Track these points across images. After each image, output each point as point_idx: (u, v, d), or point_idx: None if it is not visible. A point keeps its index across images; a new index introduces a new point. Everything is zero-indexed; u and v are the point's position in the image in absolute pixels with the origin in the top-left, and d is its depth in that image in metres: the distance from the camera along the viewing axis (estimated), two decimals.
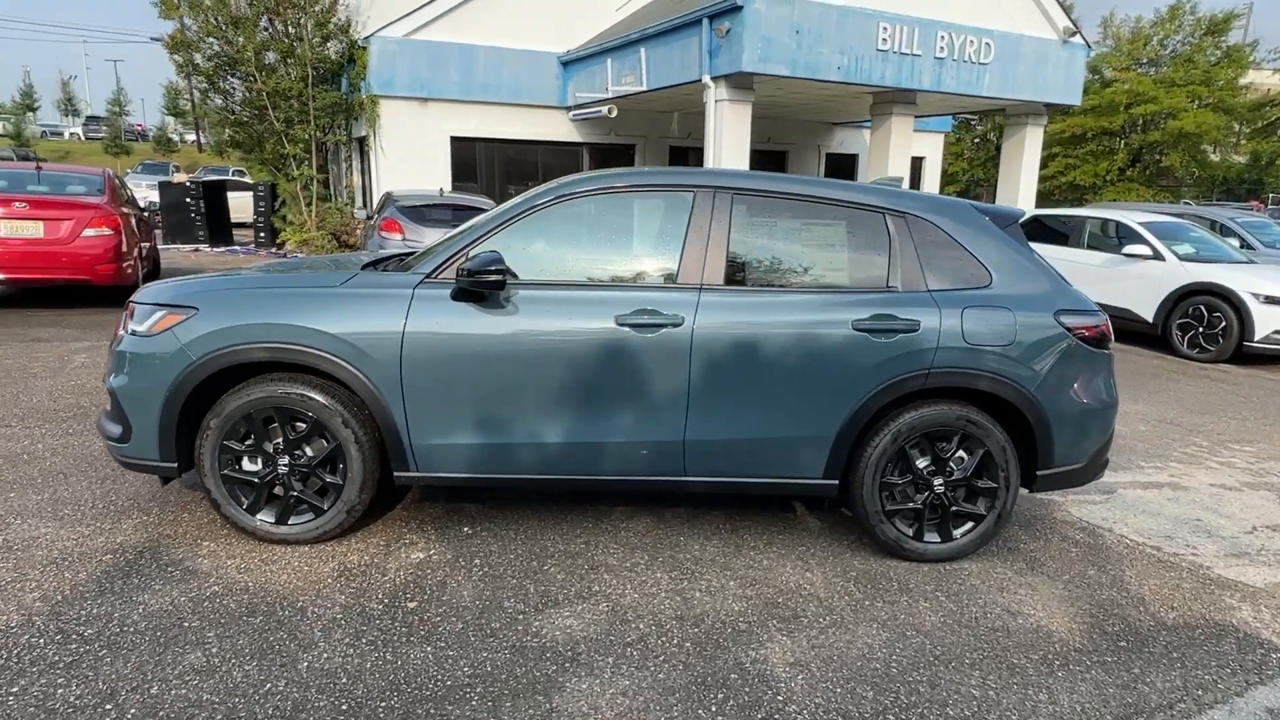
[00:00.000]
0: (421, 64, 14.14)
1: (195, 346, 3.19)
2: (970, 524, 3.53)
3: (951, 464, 3.46)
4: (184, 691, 2.42)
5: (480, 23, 14.41)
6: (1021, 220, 3.69)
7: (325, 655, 2.64)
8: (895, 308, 3.36)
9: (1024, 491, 3.62)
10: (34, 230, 7.66)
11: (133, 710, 2.32)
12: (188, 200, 15.78)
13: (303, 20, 13.69)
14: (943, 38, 11.62)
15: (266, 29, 14.18)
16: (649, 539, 3.63)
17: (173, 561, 3.21)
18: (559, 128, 15.55)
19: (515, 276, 3.34)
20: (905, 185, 4.30)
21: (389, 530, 3.60)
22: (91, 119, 47.48)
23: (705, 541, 3.64)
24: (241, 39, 13.85)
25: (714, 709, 2.46)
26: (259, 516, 3.35)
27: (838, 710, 2.48)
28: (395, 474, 3.38)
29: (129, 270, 8.29)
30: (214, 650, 2.63)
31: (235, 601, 2.94)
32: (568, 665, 2.65)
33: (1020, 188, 14.06)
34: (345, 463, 3.31)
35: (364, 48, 13.77)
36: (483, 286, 3.19)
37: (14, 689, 2.39)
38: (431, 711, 2.39)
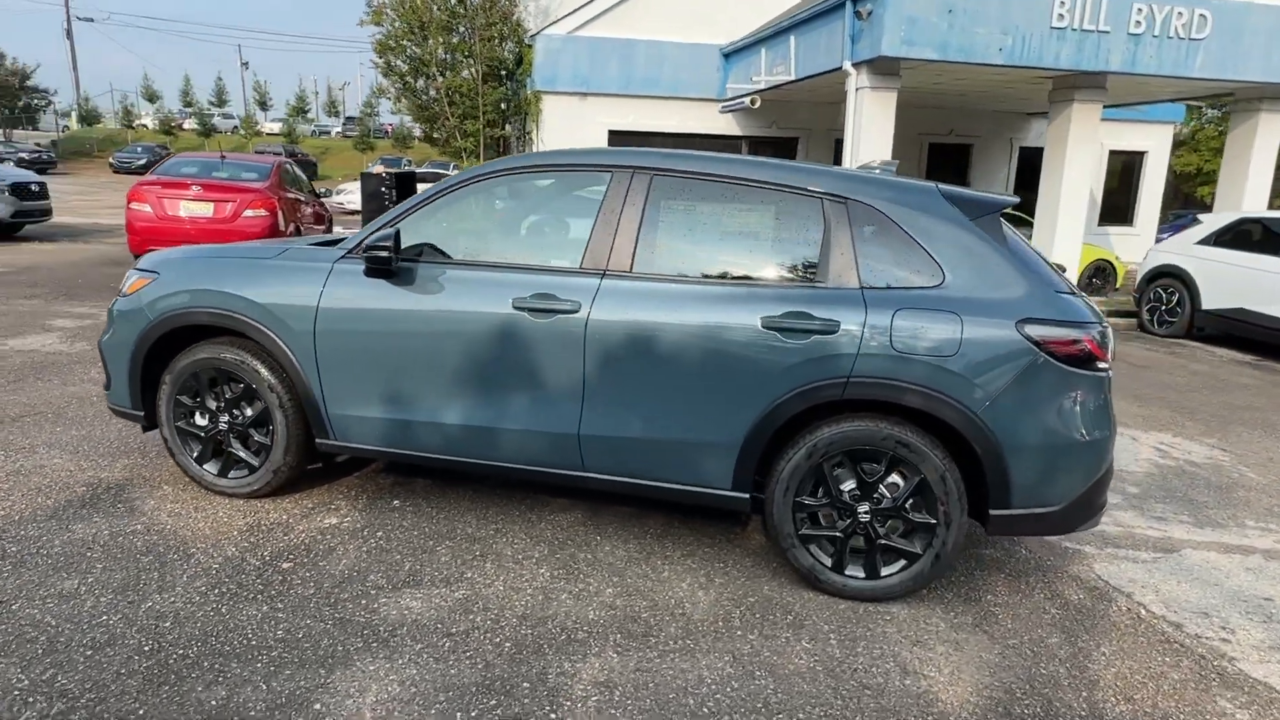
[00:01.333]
0: (582, 60, 14.59)
1: (152, 308, 3.53)
2: (903, 562, 3.03)
3: (883, 490, 2.99)
4: (35, 612, 2.68)
5: (642, 18, 14.59)
6: (1006, 210, 3.08)
7: (172, 600, 2.81)
8: (813, 305, 2.95)
9: (1046, 537, 3.04)
10: (205, 211, 8.88)
11: None
12: (382, 190, 17.46)
13: (477, 22, 14.63)
14: (1139, 10, 10.00)
15: (456, 32, 15.36)
16: (565, 534, 3.50)
17: (125, 499, 3.58)
18: (717, 121, 15.36)
19: (420, 256, 3.35)
20: (895, 171, 3.74)
21: (324, 494, 3.77)
22: (349, 119, 54.26)
23: (620, 545, 3.43)
24: (429, 41, 15.05)
25: (474, 715, 2.31)
26: (205, 466, 3.65)
27: None
28: (317, 441, 3.52)
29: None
30: (90, 580, 2.90)
31: (143, 541, 3.22)
32: (372, 645, 2.62)
33: (1248, 188, 11.80)
34: (272, 425, 3.51)
35: (530, 46, 14.47)
36: (373, 262, 3.23)
37: None
38: (216, 666, 2.46)
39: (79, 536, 3.22)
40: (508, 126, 15.69)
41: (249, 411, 3.55)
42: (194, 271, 3.54)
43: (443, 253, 3.47)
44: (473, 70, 15.08)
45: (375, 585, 2.99)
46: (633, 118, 15.01)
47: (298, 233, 10.01)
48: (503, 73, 15.31)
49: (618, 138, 15.17)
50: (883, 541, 3.02)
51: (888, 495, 2.98)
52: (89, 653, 2.48)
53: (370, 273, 3.30)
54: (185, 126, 46.01)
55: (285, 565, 3.10)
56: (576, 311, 3.10)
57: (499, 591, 3.00)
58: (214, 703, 2.30)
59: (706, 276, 3.13)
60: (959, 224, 2.99)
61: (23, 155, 34.57)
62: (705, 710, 2.39)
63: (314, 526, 3.44)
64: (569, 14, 14.36)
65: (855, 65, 10.24)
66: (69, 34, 47.84)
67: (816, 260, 3.03)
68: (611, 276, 3.14)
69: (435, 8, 15.22)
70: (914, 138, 16.32)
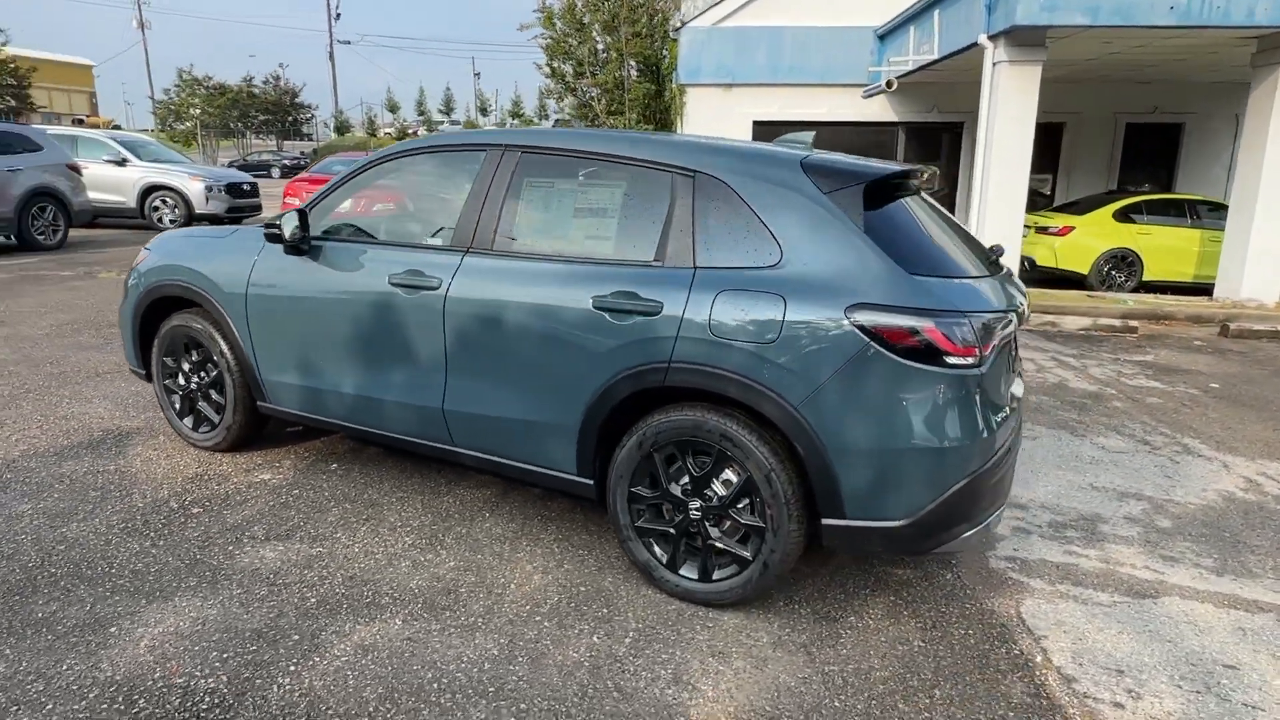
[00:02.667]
0: (727, 50, 14.39)
1: (144, 279, 4.06)
2: (735, 567, 2.78)
3: (714, 487, 2.76)
4: None
5: (790, 5, 14.11)
6: (876, 180, 2.69)
7: (83, 528, 3.25)
8: (642, 285, 2.78)
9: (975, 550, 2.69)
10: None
11: None
12: None
13: (621, 15, 14.93)
14: None
15: (617, 32, 15.82)
16: (461, 508, 3.57)
17: (121, 445, 4.16)
18: (871, 106, 14.50)
19: (337, 234, 3.57)
20: (809, 145, 3.36)
21: (279, 453, 4.13)
22: (516, 119, 57.87)
23: (503, 523, 3.45)
24: (583, 45, 15.63)
25: (227, 656, 2.46)
26: (184, 421, 4.14)
27: (306, 692, 2.30)
28: (258, 404, 3.87)
29: None
30: (39, 506, 3.43)
31: (105, 479, 3.73)
32: (201, 586, 2.86)
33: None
34: (224, 387, 3.91)
35: (675, 40, 14.52)
36: (270, 239, 3.49)
37: None
38: (68, 586, 2.82)
39: (62, 471, 3.80)
40: (651, 121, 15.89)
41: (210, 374, 3.99)
42: (171, 249, 4.03)
43: (365, 232, 3.67)
44: (624, 67, 15.43)
45: (251, 535, 3.25)
46: (778, 107, 14.58)
47: None
48: (653, 69, 15.52)
49: (763, 129, 14.81)
50: (714, 543, 2.79)
51: (717, 494, 2.75)
52: None
53: (288, 250, 3.58)
54: (416, 133, 51.37)
55: (195, 510, 3.46)
56: (437, 288, 3.16)
57: (351, 553, 3.14)
58: (40, 615, 2.65)
59: (556, 254, 3.06)
60: (811, 198, 2.67)
61: (285, 162, 40.38)
62: (435, 686, 2.37)
63: (247, 480, 3.79)
64: (713, 5, 14.23)
65: (991, 38, 9.22)
66: (331, 56, 55.08)
67: (658, 237, 2.85)
68: (474, 254, 3.16)
69: (595, 8, 15.76)
70: (1106, 118, 14.39)
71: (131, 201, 13.49)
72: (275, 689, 2.33)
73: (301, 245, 3.51)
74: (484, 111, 56.35)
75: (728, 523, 2.76)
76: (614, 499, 2.94)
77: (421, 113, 54.36)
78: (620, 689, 2.39)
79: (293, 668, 2.43)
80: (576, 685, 2.40)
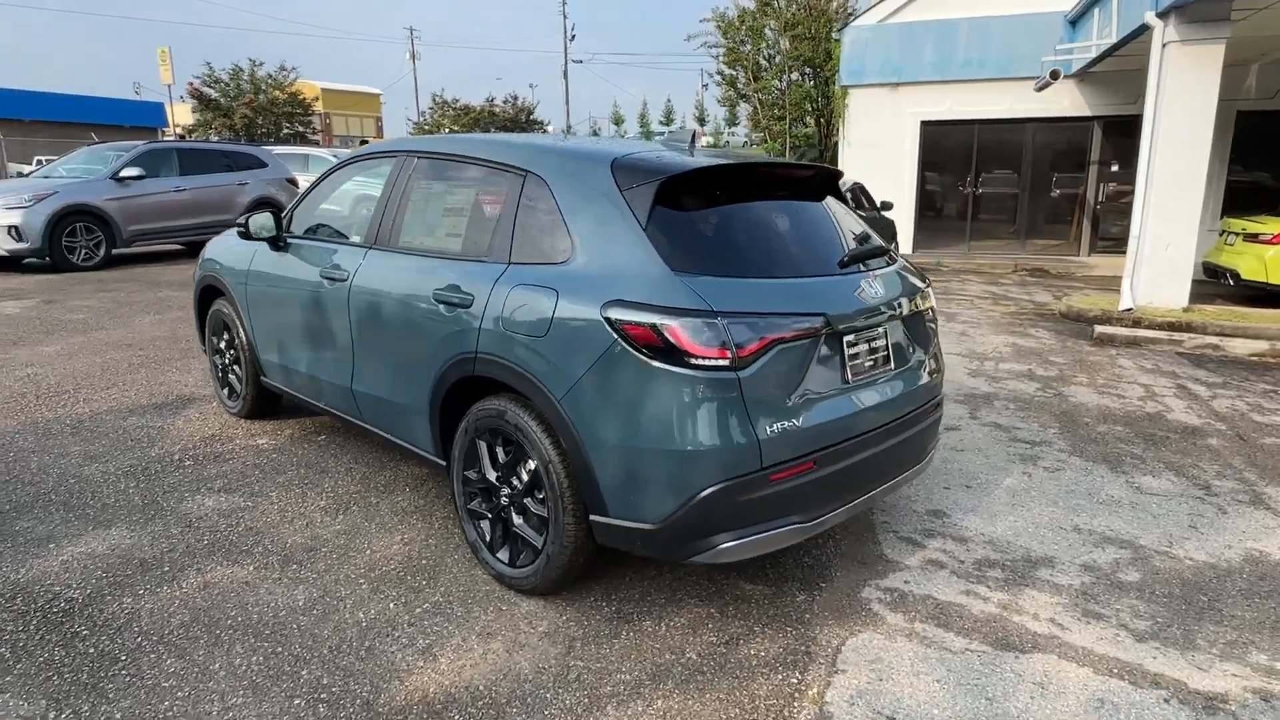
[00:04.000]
0: (893, 48, 13.65)
1: (199, 271, 4.88)
2: (531, 555, 2.84)
3: (521, 474, 2.85)
4: (35, 457, 4.11)
5: None
6: (670, 178, 2.61)
7: (97, 468, 4.02)
8: (465, 278, 2.95)
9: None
10: None
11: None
12: None
13: (783, 17, 14.69)
14: None
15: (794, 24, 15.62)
16: (395, 484, 3.92)
17: (183, 408, 5.02)
18: (1061, 100, 13.02)
19: (313, 232, 4.07)
20: (695, 141, 3.23)
21: (287, 423, 4.75)
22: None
23: (417, 498, 3.75)
24: (750, 46, 15.62)
25: (103, 572, 2.99)
26: (223, 391, 4.90)
27: (133, 611, 2.73)
28: (260, 379, 4.50)
29: None
30: (88, 449, 4.27)
31: (148, 433, 4.55)
32: (132, 518, 3.45)
33: None
34: (242, 364, 4.60)
35: (838, 40, 14.03)
36: (242, 236, 4.05)
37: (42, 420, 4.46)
38: (48, 508, 3.54)
39: (124, 424, 4.69)
40: (804, 125, 15.45)
41: (234, 353, 4.70)
42: (214, 246, 4.80)
43: (338, 230, 4.16)
44: (788, 72, 15.19)
45: (209, 487, 3.84)
46: (949, 104, 13.58)
47: None
48: (815, 69, 15.10)
49: (932, 129, 13.88)
50: (516, 530, 2.87)
51: (520, 482, 2.83)
52: (10, 479, 3.77)
53: (271, 247, 4.15)
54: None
55: (187, 463, 4.13)
56: (346, 279, 3.54)
57: (268, 510, 3.60)
58: (16, 528, 3.36)
59: (425, 249, 3.30)
60: (606, 196, 2.68)
61: None
62: (227, 622, 2.71)
63: (246, 443, 4.43)
64: (878, 2, 13.56)
65: (1160, 14, 7.99)
66: (565, 74, 59.22)
67: (490, 234, 2.99)
68: (375, 249, 3.49)
69: (772, 11, 15.65)
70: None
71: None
72: (114, 606, 2.80)
73: (278, 242, 4.06)
74: (701, 121, 57.56)
75: (530, 512, 2.84)
76: (453, 480, 3.12)
77: (644, 124, 56.68)
78: (370, 649, 2.58)
79: (141, 591, 2.90)
80: (337, 639, 2.62)
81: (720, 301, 2.42)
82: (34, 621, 2.70)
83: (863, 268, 2.91)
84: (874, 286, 2.84)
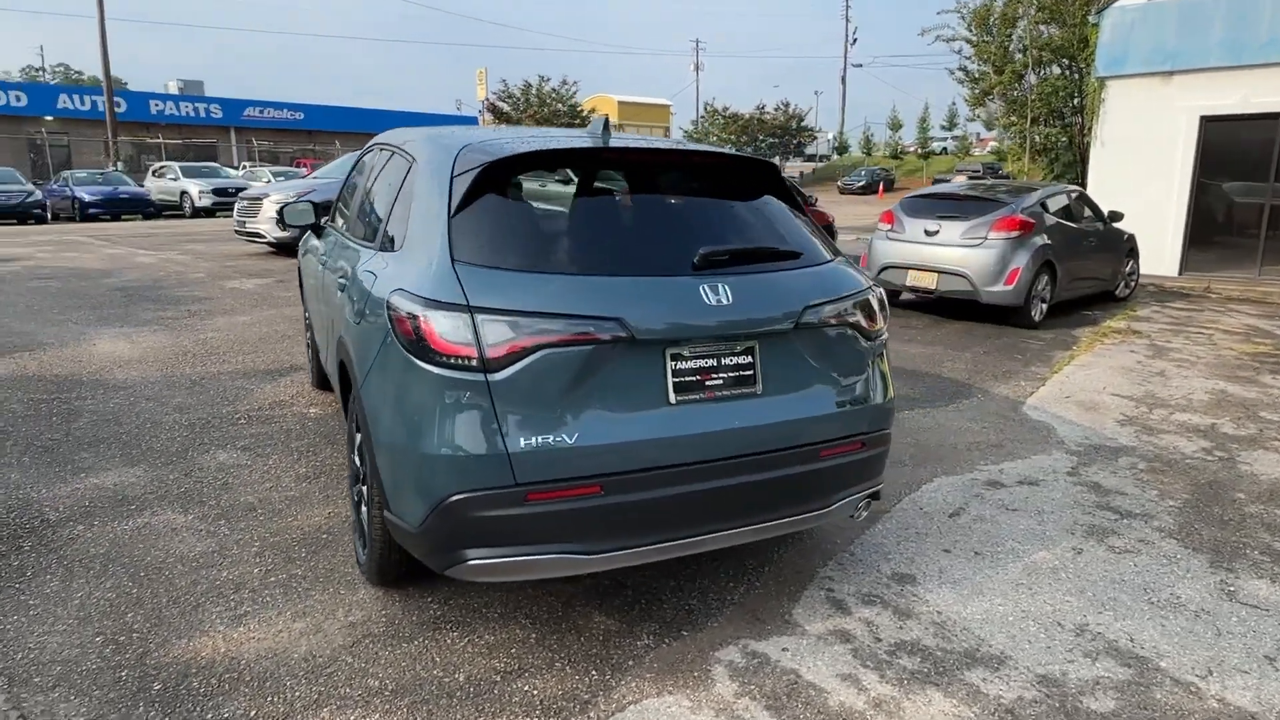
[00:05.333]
0: (1167, 29, 11.36)
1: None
2: (365, 544, 2.81)
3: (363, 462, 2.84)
4: (145, 404, 4.92)
5: None
6: (488, 165, 2.41)
7: (176, 418, 4.70)
8: (353, 263, 3.05)
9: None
10: None
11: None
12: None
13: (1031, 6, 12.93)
14: None
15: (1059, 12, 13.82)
16: None
17: (285, 376, 5.69)
18: None
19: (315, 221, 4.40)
20: (604, 129, 2.87)
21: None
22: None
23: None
24: (1005, 35, 14.07)
25: (89, 506, 3.50)
26: (311, 364, 5.48)
27: (73, 536, 3.15)
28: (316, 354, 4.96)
29: None
30: (184, 400, 5.03)
31: (239, 394, 5.23)
32: (158, 464, 3.99)
33: None
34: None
35: (1096, 25, 11.99)
36: (277, 223, 4.45)
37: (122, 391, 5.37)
38: (110, 445, 4.22)
39: (234, 384, 5.44)
40: (1051, 123, 13.36)
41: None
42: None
43: (343, 218, 4.45)
44: (1043, 63, 13.34)
45: (235, 445, 4.32)
46: (1242, 95, 10.99)
47: None
48: (1070, 59, 13.04)
49: (1216, 126, 11.36)
50: (360, 517, 2.87)
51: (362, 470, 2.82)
52: (108, 418, 4.56)
53: (315, 234, 4.56)
54: (912, 151, 50.65)
55: (241, 421, 4.69)
56: (326, 264, 3.78)
57: (256, 470, 3.96)
58: (76, 458, 4.06)
59: (357, 235, 3.39)
60: (440, 182, 2.57)
61: None
62: (126, 558, 3.03)
63: (297, 411, 4.92)
64: None
65: None
66: (843, 79, 57.64)
67: (387, 217, 3.00)
68: (344, 235, 3.68)
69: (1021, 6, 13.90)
70: None
71: None
72: (67, 531, 3.26)
73: (317, 229, 4.46)
74: (951, 125, 52.85)
75: (366, 500, 2.82)
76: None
77: (923, 128, 53.41)
78: (197, 606, 2.73)
79: (95, 523, 3.35)
80: (184, 592, 2.81)
81: (483, 296, 2.21)
82: (7, 531, 3.24)
83: (724, 271, 2.47)
84: (727, 294, 2.40)
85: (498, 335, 2.18)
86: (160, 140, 36.71)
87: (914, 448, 4.54)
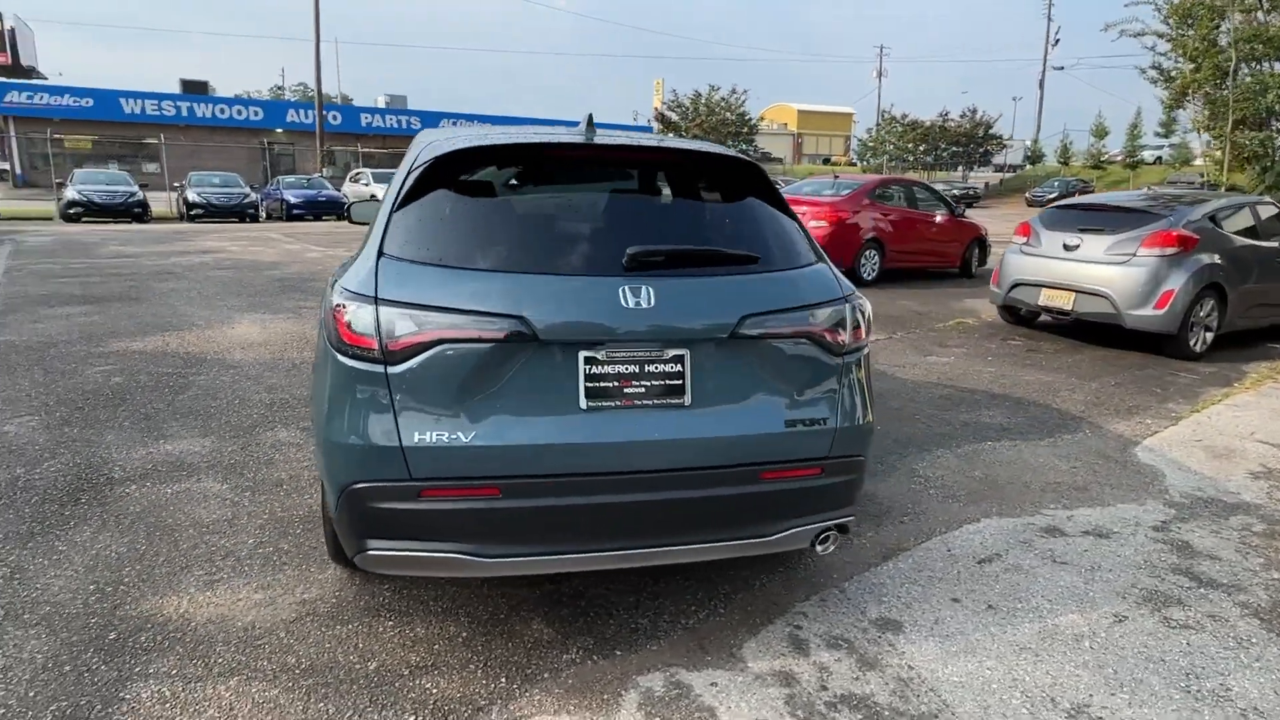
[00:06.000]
0: None
1: None
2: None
3: None
4: (213, 377, 5.43)
5: None
6: (435, 159, 2.40)
7: (262, 395, 5.14)
8: None
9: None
10: None
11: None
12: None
13: None
14: None
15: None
16: None
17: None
18: None
19: None
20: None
21: None
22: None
23: None
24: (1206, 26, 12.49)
25: (145, 470, 3.90)
26: None
27: (124, 494, 3.52)
28: None
29: (838, 255, 10.26)
30: (280, 380, 5.49)
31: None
32: (228, 438, 4.38)
33: None
34: None
35: None
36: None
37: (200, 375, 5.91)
38: (192, 412, 4.68)
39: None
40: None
41: None
42: None
43: None
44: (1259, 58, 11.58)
45: (301, 425, 4.65)
46: None
47: (877, 245, 10.62)
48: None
49: None
50: None
51: None
52: (207, 394, 5.06)
53: None
54: (1118, 160, 45.77)
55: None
56: None
57: (303, 449, 4.24)
58: (161, 425, 4.55)
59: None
60: (396, 179, 2.60)
61: (954, 192, 41.31)
62: (146, 514, 3.34)
63: None
64: None
65: None
66: (1040, 84, 53.28)
67: None
68: None
69: None
70: None
71: None
72: (120, 490, 3.65)
73: None
74: (1169, 132, 46.89)
75: None
76: None
77: (1133, 136, 48.30)
78: (183, 569, 2.95)
79: (146, 485, 3.71)
80: (180, 553, 3.05)
81: (392, 290, 2.21)
82: (75, 484, 3.68)
83: (656, 273, 2.32)
84: (649, 298, 2.25)
85: (397, 328, 2.18)
86: (363, 150, 40.58)
87: (976, 482, 4.08)
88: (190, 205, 22.11)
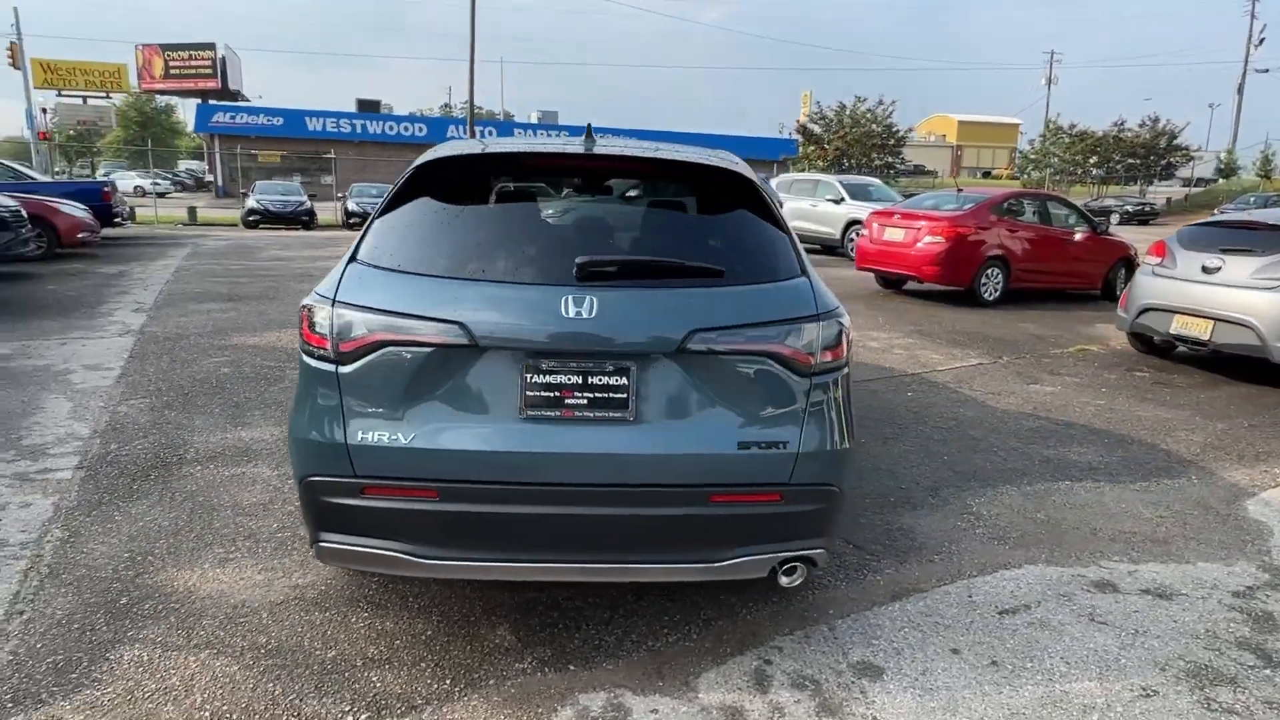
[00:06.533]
0: None
1: None
2: None
3: None
4: None
5: None
6: (416, 169, 2.46)
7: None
8: None
9: None
10: (896, 235, 10.08)
11: None
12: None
13: None
14: None
15: None
16: None
17: None
18: None
19: None
20: None
21: None
22: None
23: None
24: None
25: (213, 450, 4.25)
26: None
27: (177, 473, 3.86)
28: None
29: (955, 273, 9.65)
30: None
31: None
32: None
33: None
34: None
35: None
36: None
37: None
38: (270, 407, 5.07)
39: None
40: None
41: None
42: None
43: None
44: None
45: None
46: None
47: (1001, 263, 9.89)
48: None
49: None
50: None
51: None
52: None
53: None
54: None
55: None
56: None
57: None
58: (240, 400, 4.95)
59: None
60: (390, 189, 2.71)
61: (1127, 208, 37.82)
62: (197, 493, 3.64)
63: None
64: None
65: None
66: (1239, 89, 47.80)
67: None
68: None
69: None
70: None
71: (836, 233, 16.09)
72: (186, 470, 4.00)
73: None
74: None
75: None
76: None
77: None
78: (205, 544, 3.19)
79: (210, 467, 4.04)
80: (214, 529, 3.31)
81: (349, 293, 2.30)
82: (152, 462, 4.07)
83: (606, 284, 2.27)
84: (592, 308, 2.20)
85: (347, 330, 2.26)
86: None
87: (1035, 524, 3.70)
88: (349, 214, 24.04)
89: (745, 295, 2.35)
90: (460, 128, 44.80)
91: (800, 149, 36.10)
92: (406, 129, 44.03)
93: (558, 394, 2.24)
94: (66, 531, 3.28)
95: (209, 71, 44.53)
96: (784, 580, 2.43)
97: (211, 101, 42.38)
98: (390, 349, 2.24)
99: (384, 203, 2.57)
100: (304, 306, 2.40)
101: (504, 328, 2.22)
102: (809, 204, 16.59)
